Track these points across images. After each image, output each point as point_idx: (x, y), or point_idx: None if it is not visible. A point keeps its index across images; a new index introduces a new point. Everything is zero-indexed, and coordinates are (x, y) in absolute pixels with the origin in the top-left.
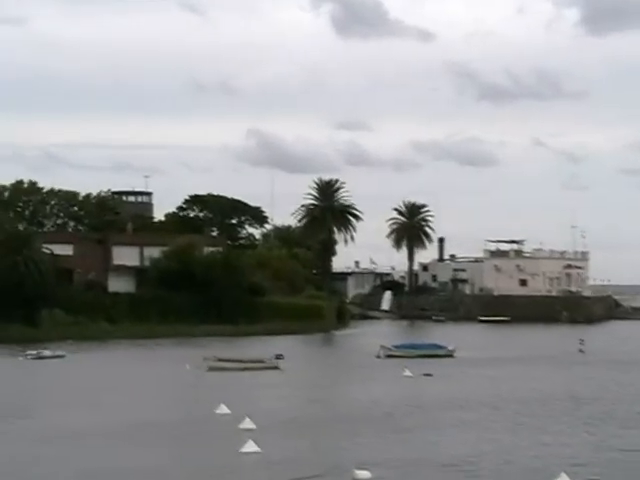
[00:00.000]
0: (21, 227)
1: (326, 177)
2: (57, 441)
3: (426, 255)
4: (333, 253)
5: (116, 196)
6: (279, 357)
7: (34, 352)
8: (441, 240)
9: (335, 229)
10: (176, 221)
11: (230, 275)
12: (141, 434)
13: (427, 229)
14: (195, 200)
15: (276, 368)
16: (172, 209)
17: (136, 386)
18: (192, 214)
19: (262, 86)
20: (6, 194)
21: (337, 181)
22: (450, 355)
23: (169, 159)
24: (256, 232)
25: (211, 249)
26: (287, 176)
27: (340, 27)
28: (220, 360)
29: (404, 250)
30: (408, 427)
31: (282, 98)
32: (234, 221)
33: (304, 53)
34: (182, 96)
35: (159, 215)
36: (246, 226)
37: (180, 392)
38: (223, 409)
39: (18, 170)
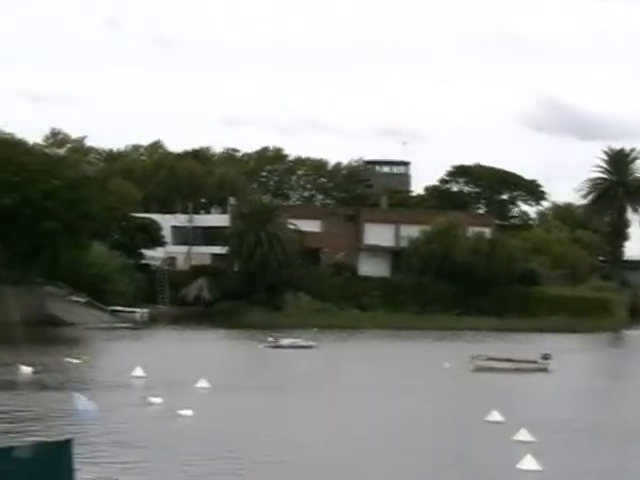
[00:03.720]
0: (265, 199)
1: (620, 145)
2: (314, 442)
3: None
4: (625, 237)
5: (369, 166)
6: (546, 357)
7: (271, 340)
8: None
9: (629, 208)
10: (437, 196)
11: (498, 260)
12: (404, 440)
13: None
14: (460, 171)
15: (544, 370)
16: (433, 182)
17: (393, 384)
18: (456, 188)
19: (549, 35)
20: (250, 163)
21: (633, 150)
22: None
23: (431, 123)
24: (531, 210)
25: (477, 229)
26: (573, 144)
27: None
28: (490, 359)
29: None
30: None
31: (574, 49)
32: (505, 197)
33: None
34: (449, 47)
35: (418, 188)
36: (519, 203)
37: (444, 394)
38: (495, 416)
39: (268, 135)
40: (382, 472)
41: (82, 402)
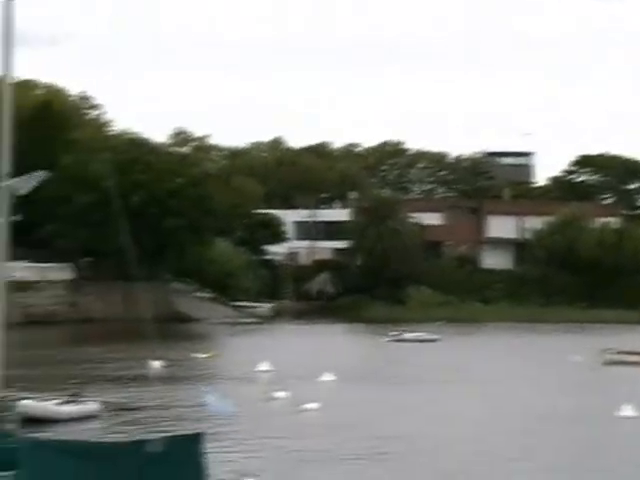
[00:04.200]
0: (385, 194)
1: None
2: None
3: None
4: None
5: (491, 158)
6: None
7: (395, 333)
8: None
9: None
10: (561, 187)
11: (625, 251)
12: (533, 434)
13: None
14: (585, 161)
15: None
16: (557, 172)
17: (522, 378)
18: (581, 178)
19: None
20: (370, 158)
21: None
22: None
23: (555, 113)
24: None
25: (603, 220)
26: None
27: None
28: (621, 352)
29: None
30: None
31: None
32: (633, 186)
33: None
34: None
35: (541, 179)
36: None
37: (575, 387)
38: (628, 410)
39: (387, 130)
40: (516, 466)
41: (216, 397)
